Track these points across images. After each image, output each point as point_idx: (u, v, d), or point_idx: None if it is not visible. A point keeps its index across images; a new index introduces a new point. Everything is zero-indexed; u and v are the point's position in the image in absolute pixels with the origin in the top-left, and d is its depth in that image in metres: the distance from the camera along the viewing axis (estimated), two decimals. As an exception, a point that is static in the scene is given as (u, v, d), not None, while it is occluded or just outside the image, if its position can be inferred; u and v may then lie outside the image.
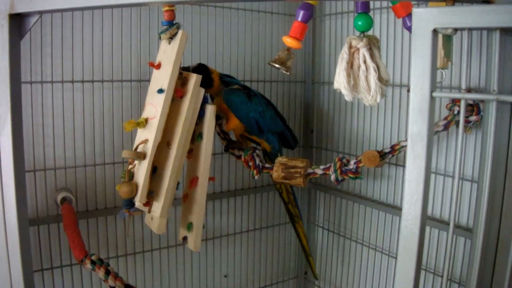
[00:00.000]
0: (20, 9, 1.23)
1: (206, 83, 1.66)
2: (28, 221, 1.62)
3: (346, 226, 2.24)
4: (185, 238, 1.62)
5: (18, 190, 1.32)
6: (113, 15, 1.77)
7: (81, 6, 1.21)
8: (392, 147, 1.62)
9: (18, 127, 1.33)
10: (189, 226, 1.59)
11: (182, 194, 1.63)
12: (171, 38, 1.46)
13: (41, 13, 1.25)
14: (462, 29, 0.81)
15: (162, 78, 1.44)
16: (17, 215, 1.32)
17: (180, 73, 1.49)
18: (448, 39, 1.30)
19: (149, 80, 1.79)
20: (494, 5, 0.80)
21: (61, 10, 1.41)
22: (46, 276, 1.73)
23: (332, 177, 1.67)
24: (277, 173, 1.74)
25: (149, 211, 1.48)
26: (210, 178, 1.60)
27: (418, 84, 0.83)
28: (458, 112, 1.55)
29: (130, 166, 1.44)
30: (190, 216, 1.59)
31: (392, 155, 1.62)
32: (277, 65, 1.53)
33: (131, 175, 1.44)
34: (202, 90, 1.51)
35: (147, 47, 1.84)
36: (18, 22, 1.27)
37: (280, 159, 1.76)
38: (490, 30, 0.85)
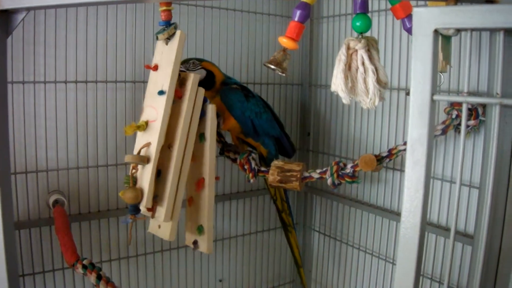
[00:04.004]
0: (6, 5, 1.20)
1: (208, 84, 1.70)
2: (19, 224, 1.61)
3: (342, 230, 2.22)
4: (195, 242, 1.59)
5: (3, 192, 1.30)
6: (108, 14, 1.75)
7: (69, 2, 1.18)
8: (390, 151, 1.60)
9: (3, 127, 1.30)
10: (200, 229, 1.55)
11: (187, 197, 1.60)
12: (169, 38, 1.43)
13: (28, 9, 1.23)
14: (464, 30, 0.78)
15: (162, 79, 1.42)
16: (1, 218, 1.30)
17: (178, 74, 1.46)
18: (447, 41, 1.27)
19: (143, 81, 1.78)
20: (498, 4, 0.78)
21: (49, 7, 1.39)
22: (38, 280, 1.71)
23: (329, 181, 1.65)
24: (272, 176, 1.72)
25: (153, 216, 1.45)
26: (215, 178, 1.58)
27: (418, 87, 0.81)
28: (456, 116, 1.53)
29: (134, 171, 1.41)
30: (200, 219, 1.56)
31: (389, 159, 1.60)
32: (272, 66, 1.50)
33: (134, 180, 1.42)
34: (202, 90, 1.49)
35: (142, 47, 1.82)
36: (4, 18, 1.24)
37: (276, 163, 1.74)
38: (493, 31, 0.83)
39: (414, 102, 0.82)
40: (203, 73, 1.70)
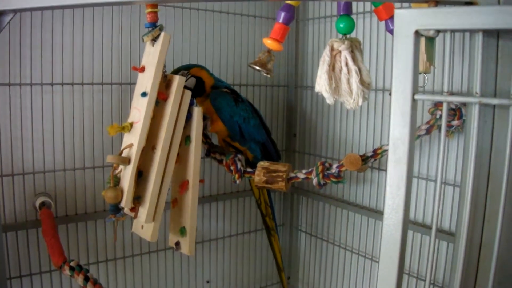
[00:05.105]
0: (-7, 7, 1.20)
1: (199, 90, 1.73)
2: (6, 227, 1.61)
3: (328, 230, 2.23)
4: (177, 244, 1.59)
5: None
6: (94, 16, 1.75)
7: (57, 4, 1.18)
8: (375, 151, 1.61)
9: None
10: (182, 231, 1.55)
11: (171, 199, 1.60)
12: (154, 40, 1.44)
13: (15, 11, 1.23)
14: (444, 31, 0.80)
15: (146, 81, 1.42)
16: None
17: (165, 76, 1.47)
18: (430, 42, 1.28)
19: (130, 83, 1.78)
20: (477, 6, 0.80)
21: (37, 9, 1.38)
22: (25, 283, 1.70)
23: (314, 181, 1.66)
24: (258, 177, 1.72)
25: (135, 217, 1.45)
26: (199, 180, 1.59)
27: (399, 87, 0.82)
28: (441, 116, 1.55)
29: (116, 171, 1.42)
30: (182, 221, 1.56)
31: (374, 159, 1.62)
32: (257, 67, 1.51)
33: (117, 180, 1.42)
34: (189, 93, 1.49)
35: (129, 49, 1.83)
36: (-10, 20, 1.25)
37: (262, 163, 1.75)
38: (472, 31, 0.84)
39: (396, 101, 0.83)
40: (193, 81, 1.72)
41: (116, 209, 1.43)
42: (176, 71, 1.71)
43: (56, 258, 1.47)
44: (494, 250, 0.81)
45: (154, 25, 1.43)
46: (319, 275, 2.30)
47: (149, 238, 1.51)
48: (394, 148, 0.83)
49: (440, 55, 1.62)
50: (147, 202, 1.42)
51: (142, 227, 1.53)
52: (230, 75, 2.12)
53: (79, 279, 1.44)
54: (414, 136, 0.83)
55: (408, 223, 0.88)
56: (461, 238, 0.85)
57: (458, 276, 0.85)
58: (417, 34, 0.81)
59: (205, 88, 1.75)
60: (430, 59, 1.26)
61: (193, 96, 1.52)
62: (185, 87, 1.50)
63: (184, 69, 1.73)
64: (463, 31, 0.87)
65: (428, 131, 1.56)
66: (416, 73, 0.81)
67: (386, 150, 1.59)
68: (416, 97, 0.81)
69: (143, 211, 1.43)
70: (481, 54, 0.80)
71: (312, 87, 2.20)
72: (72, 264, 1.45)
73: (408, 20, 0.81)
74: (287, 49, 2.29)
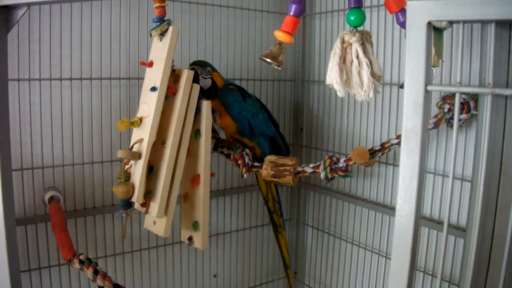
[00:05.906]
0: (7, 1, 1.21)
1: (210, 94, 1.73)
2: (15, 221, 1.61)
3: (335, 225, 2.23)
4: (190, 239, 1.60)
5: (4, 189, 1.31)
6: (102, 11, 1.75)
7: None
8: (382, 145, 1.61)
9: (5, 125, 1.31)
10: (195, 225, 1.57)
11: (182, 194, 1.61)
12: (162, 34, 1.45)
13: (28, 5, 1.23)
14: (457, 22, 0.80)
15: (155, 76, 1.43)
16: (3, 215, 1.31)
17: (173, 70, 1.47)
18: (439, 36, 1.29)
19: (138, 78, 1.79)
20: (489, -3, 0.80)
21: (50, 2, 1.39)
22: (34, 276, 1.71)
23: (322, 175, 1.67)
24: (266, 171, 1.73)
25: (146, 212, 1.46)
26: (210, 174, 1.59)
27: (412, 78, 0.82)
28: (448, 110, 1.55)
29: (127, 166, 1.43)
30: (195, 215, 1.58)
31: (382, 153, 1.62)
32: (268, 60, 1.51)
33: (127, 175, 1.43)
34: (197, 87, 1.50)
35: (136, 44, 1.83)
36: (4, 14, 1.25)
37: (269, 157, 1.75)
38: (485, 22, 0.84)
39: (409, 93, 0.83)
40: (209, 82, 1.73)
41: (127, 204, 1.43)
42: (203, 64, 1.74)
43: (66, 252, 1.48)
44: (507, 241, 0.82)
45: (162, 20, 1.43)
46: (326, 270, 2.30)
47: (161, 233, 1.51)
48: (407, 139, 0.84)
49: (447, 49, 1.61)
50: (159, 196, 1.43)
51: (155, 222, 1.54)
52: (237, 69, 2.12)
53: (89, 273, 1.45)
54: (427, 128, 0.83)
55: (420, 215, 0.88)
56: (473, 230, 0.85)
57: (470, 268, 0.85)
58: (430, 25, 0.81)
59: (215, 94, 1.76)
60: (439, 52, 1.26)
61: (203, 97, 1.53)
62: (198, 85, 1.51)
63: (212, 69, 1.75)
64: (476, 22, 0.87)
65: (436, 125, 1.56)
66: (428, 64, 0.82)
67: (394, 144, 1.60)
68: (429, 88, 0.81)
69: (155, 206, 1.44)
70: (494, 45, 0.81)
71: (319, 81, 2.20)
72: (81, 257, 1.46)
73: (420, 11, 0.81)
74: (294, 43, 2.29)
